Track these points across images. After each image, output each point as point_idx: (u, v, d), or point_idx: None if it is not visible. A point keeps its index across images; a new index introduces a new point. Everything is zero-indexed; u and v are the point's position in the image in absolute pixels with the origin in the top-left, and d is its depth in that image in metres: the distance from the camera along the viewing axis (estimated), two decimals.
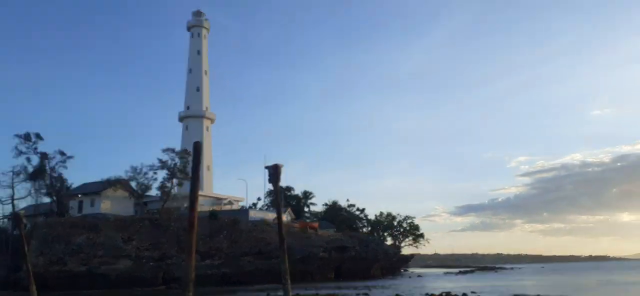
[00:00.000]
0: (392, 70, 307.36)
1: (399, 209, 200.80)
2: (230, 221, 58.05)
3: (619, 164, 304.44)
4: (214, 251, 53.63)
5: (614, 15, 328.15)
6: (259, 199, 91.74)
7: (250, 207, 76.96)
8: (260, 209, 77.80)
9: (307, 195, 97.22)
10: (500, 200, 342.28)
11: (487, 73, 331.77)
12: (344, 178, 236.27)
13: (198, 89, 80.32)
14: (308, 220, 78.54)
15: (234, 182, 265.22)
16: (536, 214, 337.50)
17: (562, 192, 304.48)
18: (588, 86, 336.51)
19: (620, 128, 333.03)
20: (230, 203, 72.54)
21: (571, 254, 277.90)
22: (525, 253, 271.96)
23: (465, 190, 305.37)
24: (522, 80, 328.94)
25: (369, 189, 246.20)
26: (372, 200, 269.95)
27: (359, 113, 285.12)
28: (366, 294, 32.28)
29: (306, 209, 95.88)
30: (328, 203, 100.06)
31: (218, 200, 72.04)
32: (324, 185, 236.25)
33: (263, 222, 60.15)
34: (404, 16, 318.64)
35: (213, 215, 58.66)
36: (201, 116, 78.97)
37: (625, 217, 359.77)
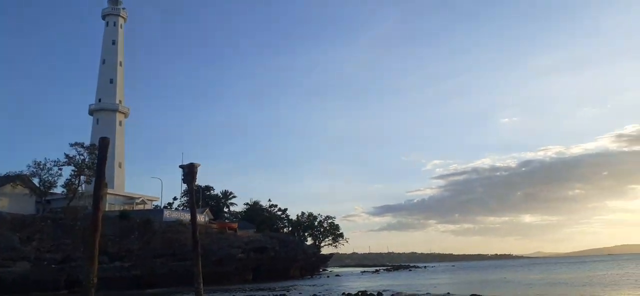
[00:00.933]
0: (318, 75, 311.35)
1: (321, 209, 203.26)
2: (142, 221, 55.28)
3: (523, 169, 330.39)
4: (124, 253, 50.73)
5: (523, 33, 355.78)
6: (175, 199, 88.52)
7: (165, 207, 73.88)
8: (176, 209, 74.90)
9: (227, 194, 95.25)
10: (415, 201, 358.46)
11: (408, 81, 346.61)
12: (266, 179, 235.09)
13: (111, 81, 75.92)
14: (227, 221, 76.86)
15: (149, 180, 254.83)
16: (448, 215, 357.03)
17: (472, 194, 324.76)
18: (499, 96, 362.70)
19: (525, 136, 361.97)
20: (143, 202, 69.19)
21: (479, 253, 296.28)
22: (437, 252, 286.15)
23: (384, 191, 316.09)
24: (440, 88, 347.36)
25: (291, 190, 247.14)
26: (294, 200, 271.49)
27: (284, 115, 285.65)
28: (284, 294, 31.87)
29: (226, 209, 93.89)
30: (249, 203, 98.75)
31: (130, 199, 68.44)
32: (245, 185, 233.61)
33: (178, 223, 57.87)
34: (331, 22, 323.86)
35: (124, 214, 55.57)
36: (114, 110, 74.68)
37: (528, 218, 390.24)
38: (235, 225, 69.78)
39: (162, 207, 72.32)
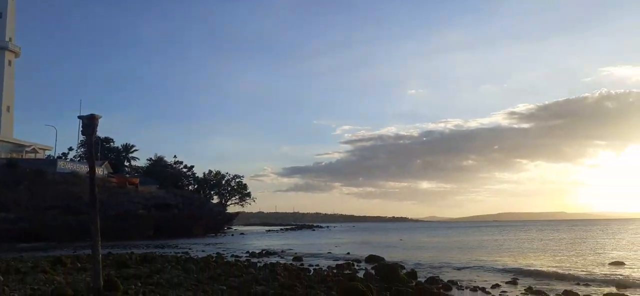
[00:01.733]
0: (231, 31, 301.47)
1: (229, 168, 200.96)
2: (33, 171, 51.20)
3: (424, 139, 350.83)
4: (11, 204, 46.89)
5: (433, 8, 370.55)
6: (70, 149, 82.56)
7: (59, 157, 68.74)
8: (72, 160, 70.05)
9: (128, 148, 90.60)
10: (324, 164, 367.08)
11: (322, 46, 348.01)
12: (172, 135, 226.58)
13: (0, 15, 68.07)
14: (128, 175, 73.47)
15: (42, 128, 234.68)
16: (354, 178, 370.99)
17: (377, 160, 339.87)
18: (407, 68, 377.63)
19: (428, 108, 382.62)
20: (34, 151, 63.93)
21: (378, 215, 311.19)
22: (340, 213, 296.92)
23: (294, 153, 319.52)
24: (352, 56, 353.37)
25: (199, 147, 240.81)
26: (202, 158, 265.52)
27: (194, 68, 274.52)
28: (186, 253, 31.44)
29: (126, 163, 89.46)
30: (152, 158, 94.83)
31: (19, 146, 62.88)
32: (149, 140, 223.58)
33: (74, 175, 54.36)
34: None
35: (12, 162, 51.08)
36: (2, 47, 67.28)
37: (425, 184, 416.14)
38: (136, 180, 66.98)
39: (56, 157, 67.28)
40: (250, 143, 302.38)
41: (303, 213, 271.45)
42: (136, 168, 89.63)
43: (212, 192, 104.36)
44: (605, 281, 17.29)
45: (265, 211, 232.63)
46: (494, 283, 16.69)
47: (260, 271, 18.21)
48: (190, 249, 36.59)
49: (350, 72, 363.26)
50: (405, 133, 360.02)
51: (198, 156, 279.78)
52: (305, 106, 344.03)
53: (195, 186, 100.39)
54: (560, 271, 20.60)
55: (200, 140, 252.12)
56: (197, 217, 68.11)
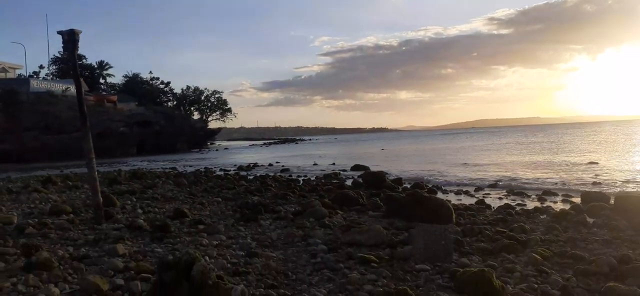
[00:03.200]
0: None
1: (207, 84, 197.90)
2: (5, 91, 49.75)
3: (403, 48, 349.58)
4: None
5: None
6: (41, 67, 79.87)
7: (31, 76, 66.67)
8: (45, 79, 68.00)
9: (102, 65, 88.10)
10: (303, 77, 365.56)
11: None
12: (146, 50, 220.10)
13: None
14: (104, 93, 72.07)
15: (8, 45, 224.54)
16: (333, 91, 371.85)
17: (356, 71, 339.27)
18: None
19: (408, 16, 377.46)
20: (4, 70, 61.72)
21: (358, 127, 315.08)
22: (321, 125, 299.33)
23: (272, 66, 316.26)
24: None
25: (175, 62, 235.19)
26: (178, 74, 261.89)
27: None
28: (174, 168, 31.74)
29: (102, 81, 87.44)
30: (128, 75, 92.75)
31: None
32: (123, 55, 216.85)
33: (49, 94, 53.06)
34: None
35: None
36: None
37: (403, 95, 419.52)
38: (114, 98, 65.91)
39: (27, 76, 65.23)
40: (227, 57, 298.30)
41: (285, 128, 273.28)
42: (112, 86, 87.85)
43: (192, 108, 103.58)
44: (582, 179, 18.21)
45: (247, 126, 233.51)
46: (476, 186, 17.42)
47: (252, 183, 18.58)
48: (177, 164, 36.87)
49: None
50: (385, 43, 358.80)
51: (173, 72, 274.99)
52: (279, 16, 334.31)
53: (174, 102, 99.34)
54: (538, 173, 21.51)
55: (174, 54, 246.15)
56: (179, 133, 67.97)
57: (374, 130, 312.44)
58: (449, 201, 11.37)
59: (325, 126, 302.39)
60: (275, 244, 7.51)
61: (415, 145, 67.37)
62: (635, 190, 14.85)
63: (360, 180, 17.63)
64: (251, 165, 33.68)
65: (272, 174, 24.80)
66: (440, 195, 14.72)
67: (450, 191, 16.30)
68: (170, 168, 32.16)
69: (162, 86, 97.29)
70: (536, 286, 5.09)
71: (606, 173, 20.31)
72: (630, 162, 25.92)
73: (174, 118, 71.15)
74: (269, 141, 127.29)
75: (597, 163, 24.87)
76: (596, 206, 10.36)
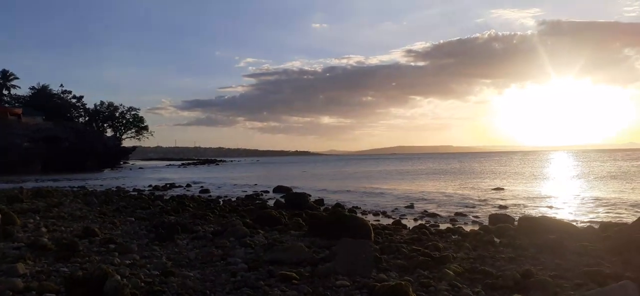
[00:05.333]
0: None
1: (124, 100, 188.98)
2: None
3: (327, 74, 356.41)
4: None
5: None
6: None
7: None
8: None
9: (6, 75, 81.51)
10: (227, 97, 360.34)
11: None
12: (57, 61, 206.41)
13: None
14: (8, 105, 66.61)
15: None
16: (257, 113, 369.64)
17: (281, 94, 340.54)
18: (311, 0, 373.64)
19: (332, 43, 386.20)
20: None
21: (281, 149, 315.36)
22: (244, 147, 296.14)
23: (194, 85, 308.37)
24: None
25: (89, 76, 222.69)
26: (92, 88, 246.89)
27: None
28: (83, 187, 29.79)
29: (5, 92, 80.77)
30: (36, 87, 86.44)
31: None
32: (31, 66, 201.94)
33: None
34: None
35: None
36: None
37: (327, 119, 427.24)
38: (18, 111, 61.09)
39: None
40: (146, 73, 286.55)
41: (205, 148, 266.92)
42: (17, 98, 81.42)
43: (105, 125, 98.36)
44: (490, 202, 19.42)
45: (164, 145, 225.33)
46: (394, 207, 18.00)
47: (169, 203, 17.88)
48: (86, 183, 34.67)
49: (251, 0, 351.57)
50: (310, 68, 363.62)
51: (87, 86, 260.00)
52: (204, 36, 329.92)
53: (86, 118, 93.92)
54: (450, 197, 22.66)
55: (89, 68, 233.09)
56: (90, 151, 64.15)
57: (297, 153, 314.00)
58: (368, 221, 11.64)
59: (248, 148, 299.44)
60: (192, 263, 7.26)
61: (337, 168, 68.54)
62: (536, 212, 16.08)
63: (283, 200, 17.59)
64: (168, 185, 32.48)
65: (190, 194, 24.04)
66: (359, 215, 15.00)
67: (369, 212, 16.70)
68: (79, 187, 30.16)
69: (73, 100, 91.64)
70: None
71: (511, 197, 21.82)
72: (532, 188, 28.07)
73: (85, 135, 67.17)
74: (187, 161, 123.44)
75: (503, 189, 26.67)
76: (502, 227, 11.08)
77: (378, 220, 14.21)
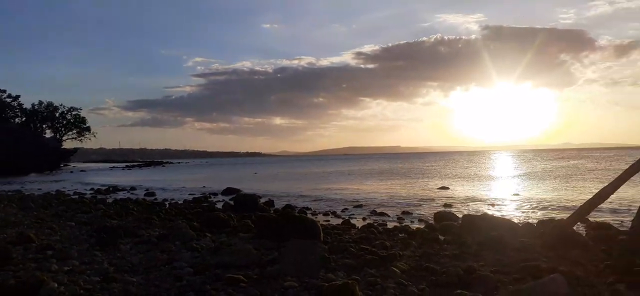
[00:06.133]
0: None
1: (64, 100, 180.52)
2: None
3: (278, 75, 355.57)
4: None
5: None
6: None
7: None
8: None
9: None
10: (174, 97, 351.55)
11: None
12: None
13: None
14: None
15: None
16: (206, 113, 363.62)
17: (231, 95, 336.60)
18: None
19: (283, 44, 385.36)
20: None
21: (232, 150, 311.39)
22: (192, 149, 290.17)
23: (140, 85, 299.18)
24: None
25: (28, 74, 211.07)
26: (31, 88, 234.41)
27: None
28: (19, 191, 28.21)
29: None
30: None
31: None
32: None
33: None
34: None
35: None
36: None
37: (278, 120, 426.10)
38: None
39: None
40: (89, 72, 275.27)
41: (151, 150, 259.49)
42: None
43: (44, 126, 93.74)
44: (435, 201, 19.98)
45: (107, 147, 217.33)
46: (343, 207, 18.18)
47: (111, 207, 17.24)
48: (23, 187, 32.87)
49: None
50: (261, 69, 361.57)
51: (25, 86, 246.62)
52: (151, 34, 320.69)
53: (23, 119, 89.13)
54: (398, 196, 23.13)
55: (26, 67, 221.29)
56: (27, 153, 60.86)
57: (248, 154, 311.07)
58: (318, 221, 11.69)
59: (196, 149, 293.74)
60: (136, 269, 7.02)
61: (288, 169, 68.41)
62: (479, 210, 16.68)
63: (232, 202, 17.36)
64: (111, 188, 31.32)
65: (134, 198, 23.29)
66: (309, 216, 15.04)
67: (319, 212, 16.77)
68: (14, 191, 28.55)
69: (9, 100, 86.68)
70: None
71: (456, 196, 22.54)
72: (476, 187, 29.11)
73: (21, 136, 63.65)
74: (132, 163, 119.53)
75: (448, 188, 27.50)
76: (447, 225, 11.42)
77: (328, 221, 14.29)
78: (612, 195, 8.28)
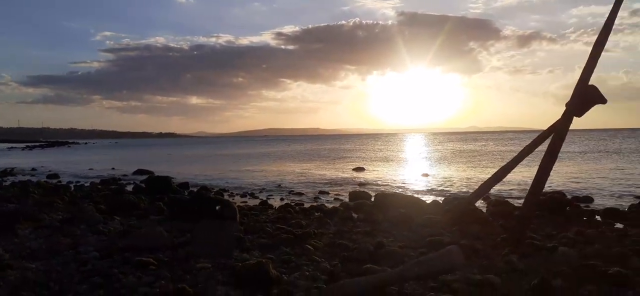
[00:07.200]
0: None
1: None
2: None
3: (195, 53, 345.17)
4: None
5: None
6: None
7: None
8: None
9: None
10: (80, 73, 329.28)
11: None
12: None
13: None
14: None
15: None
16: (116, 91, 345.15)
17: (143, 71, 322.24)
18: None
19: (199, 20, 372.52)
20: None
21: (144, 131, 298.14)
22: (100, 128, 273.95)
23: (41, 59, 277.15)
24: None
25: None
26: None
27: None
28: None
29: None
30: None
31: None
32: None
33: None
34: None
35: None
36: None
37: (195, 100, 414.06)
38: None
39: None
40: None
41: (55, 129, 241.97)
42: None
43: None
44: (351, 182, 20.55)
45: (4, 126, 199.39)
46: (262, 188, 18.16)
47: (9, 190, 15.90)
48: None
49: None
50: (175, 45, 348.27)
51: None
52: (53, 4, 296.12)
53: None
54: (315, 177, 23.49)
55: None
56: None
57: (162, 135, 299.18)
58: (235, 202, 11.59)
59: (105, 129, 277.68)
60: (35, 254, 6.56)
61: (205, 150, 66.83)
62: (391, 189, 17.40)
63: (143, 185, 16.68)
64: (8, 170, 28.84)
65: (35, 180, 21.65)
66: (226, 197, 14.87)
67: (237, 194, 16.63)
68: None
69: None
70: (308, 273, 5.54)
71: (370, 177, 23.33)
72: (389, 167, 30.27)
73: None
74: (33, 144, 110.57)
75: (364, 168, 28.36)
76: (360, 203, 11.81)
77: (245, 202, 14.23)
78: (509, 174, 8.98)
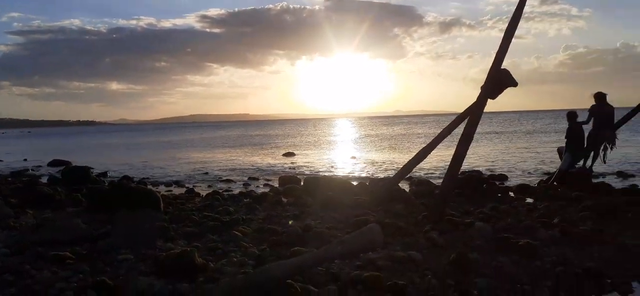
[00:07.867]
0: None
1: None
2: None
3: (114, 36, 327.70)
4: None
5: None
6: None
7: None
8: None
9: None
10: None
11: None
12: None
13: None
14: None
15: None
16: (27, 77, 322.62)
17: (57, 56, 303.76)
18: None
19: (118, 2, 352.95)
20: None
21: (60, 119, 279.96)
22: (9, 117, 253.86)
23: None
24: None
25: None
26: None
27: None
28: None
29: None
30: None
31: None
32: None
33: None
34: None
35: None
36: None
37: (115, 85, 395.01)
38: None
39: None
40: None
41: None
42: None
43: None
44: (280, 167, 20.56)
45: None
46: (188, 176, 17.71)
47: None
48: None
49: None
50: (92, 28, 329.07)
51: None
52: None
53: None
54: (243, 163, 23.27)
55: None
56: None
57: (80, 123, 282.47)
58: (159, 191, 11.22)
59: (15, 117, 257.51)
60: None
61: (127, 139, 63.94)
62: (320, 173, 17.60)
63: (59, 176, 15.71)
64: None
65: None
66: (150, 187, 14.35)
67: (161, 183, 16.09)
68: None
69: None
70: (235, 259, 5.49)
71: (300, 161, 23.46)
72: (318, 152, 30.61)
73: None
74: None
75: (294, 153, 28.45)
76: (290, 188, 11.86)
77: (170, 190, 13.82)
78: (430, 155, 9.39)
